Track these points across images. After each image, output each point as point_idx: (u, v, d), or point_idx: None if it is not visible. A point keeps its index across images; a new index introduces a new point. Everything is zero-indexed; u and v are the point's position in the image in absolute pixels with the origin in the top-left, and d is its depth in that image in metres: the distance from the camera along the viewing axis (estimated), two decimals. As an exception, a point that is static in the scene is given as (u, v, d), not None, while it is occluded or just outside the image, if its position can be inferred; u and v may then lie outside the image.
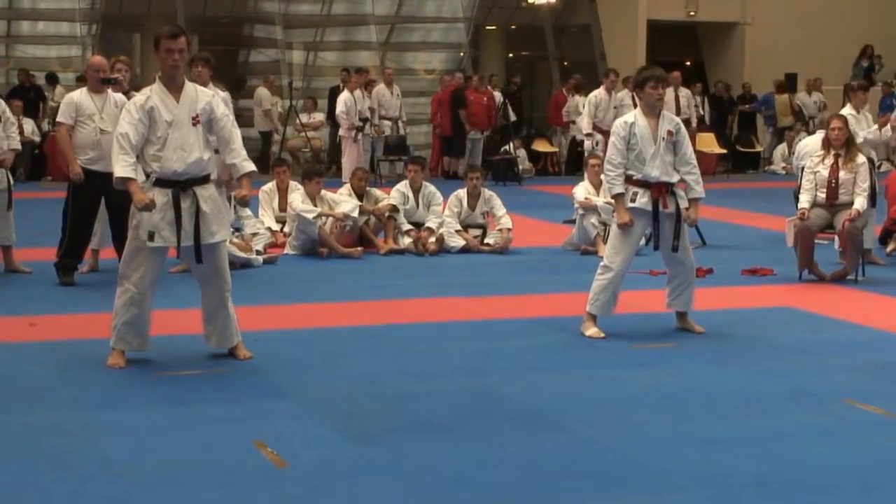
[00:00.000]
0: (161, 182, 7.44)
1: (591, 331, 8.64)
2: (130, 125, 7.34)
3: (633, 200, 8.54)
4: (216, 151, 7.81)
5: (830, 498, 5.35)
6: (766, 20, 27.20)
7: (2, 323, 9.00)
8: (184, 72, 7.65)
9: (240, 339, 7.82)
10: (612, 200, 8.79)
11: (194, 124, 7.45)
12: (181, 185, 7.45)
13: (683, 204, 8.65)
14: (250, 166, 7.71)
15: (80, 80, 11.23)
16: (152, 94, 7.46)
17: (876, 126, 12.57)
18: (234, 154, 7.62)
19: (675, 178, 8.60)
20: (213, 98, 7.65)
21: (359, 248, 12.54)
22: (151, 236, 7.39)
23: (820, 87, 25.18)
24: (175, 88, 7.49)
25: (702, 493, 5.39)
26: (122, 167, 7.29)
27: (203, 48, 25.30)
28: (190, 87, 7.58)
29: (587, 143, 17.63)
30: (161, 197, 7.39)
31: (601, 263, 8.71)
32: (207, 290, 7.73)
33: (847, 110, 12.57)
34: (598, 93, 18.32)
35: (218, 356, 7.78)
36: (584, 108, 23.17)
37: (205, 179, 7.58)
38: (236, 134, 7.74)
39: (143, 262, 7.49)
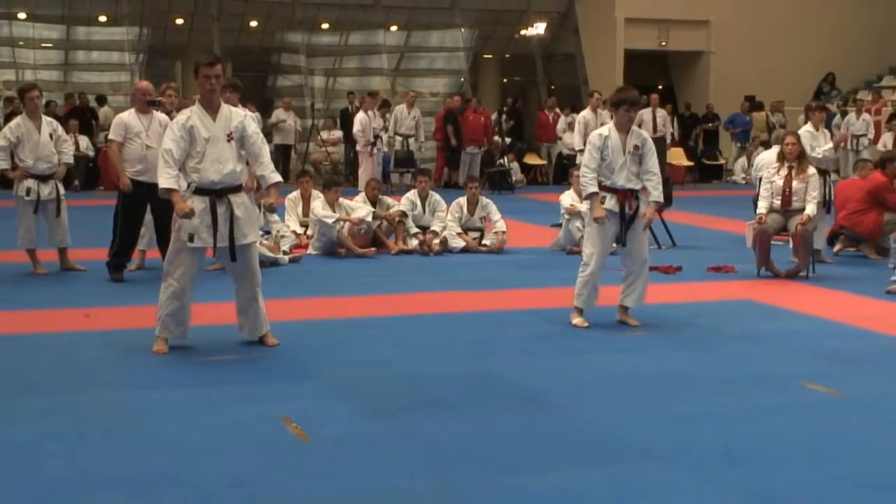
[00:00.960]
0: (199, 190, 7.46)
1: (577, 320, 8.63)
2: (174, 142, 7.37)
3: (602, 202, 8.55)
4: (248, 164, 7.84)
5: (789, 467, 5.33)
6: (729, 49, 27.20)
7: (60, 314, 8.99)
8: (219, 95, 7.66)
9: (268, 328, 7.81)
10: (586, 203, 8.79)
11: (228, 140, 7.47)
12: (217, 193, 7.47)
13: (644, 207, 8.67)
14: (277, 177, 7.72)
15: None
16: (192, 114, 7.49)
17: (831, 144, 12.55)
18: (263, 167, 7.64)
19: (638, 186, 8.61)
20: (244, 118, 7.67)
21: (372, 249, 12.52)
22: (191, 238, 7.41)
23: (782, 108, 25.19)
24: (212, 109, 7.51)
25: (675, 462, 5.37)
26: (166, 179, 7.34)
27: (236, 74, 25.40)
28: (225, 108, 7.61)
29: (579, 158, 17.52)
30: (199, 203, 7.41)
31: (582, 262, 8.71)
32: (240, 285, 7.72)
33: (807, 128, 12.58)
34: (586, 113, 18.20)
35: (249, 343, 7.76)
36: (568, 127, 23.50)
37: (238, 188, 7.60)
38: (265, 149, 7.76)
39: (184, 261, 7.50)
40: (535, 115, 25.46)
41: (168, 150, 7.37)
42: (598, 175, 8.56)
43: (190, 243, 7.43)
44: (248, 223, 7.63)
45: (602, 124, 15.78)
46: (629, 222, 8.59)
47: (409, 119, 21.76)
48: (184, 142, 7.39)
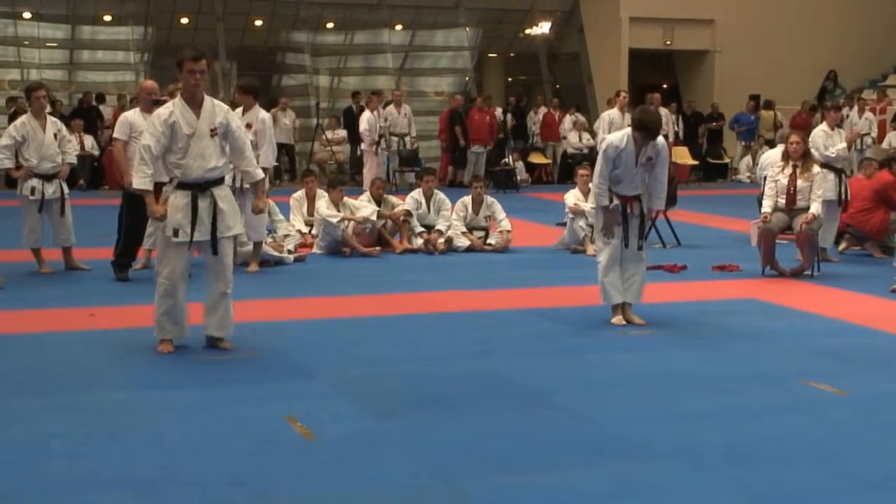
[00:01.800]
0: (182, 185, 7.44)
1: (614, 319, 8.68)
2: (153, 137, 7.33)
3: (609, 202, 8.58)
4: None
5: (792, 465, 5.33)
6: (733, 49, 27.20)
7: (65, 314, 9.01)
8: (204, 90, 7.53)
9: (231, 332, 7.68)
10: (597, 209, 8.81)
11: (212, 136, 7.42)
12: (200, 188, 7.44)
13: (646, 210, 8.72)
14: (261, 174, 7.78)
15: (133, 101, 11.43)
16: (175, 109, 7.41)
17: (844, 144, 12.58)
18: (246, 162, 7.68)
19: (641, 191, 8.63)
20: (228, 113, 7.59)
21: (377, 248, 12.54)
22: (176, 233, 7.40)
23: (806, 109, 25.18)
24: (195, 104, 7.43)
25: (677, 461, 5.38)
26: (140, 178, 7.34)
27: (240, 74, 25.43)
28: (209, 102, 7.50)
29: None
30: (182, 198, 7.40)
31: (597, 261, 8.73)
32: (214, 280, 7.58)
33: (822, 127, 12.56)
34: (614, 113, 18.09)
35: (253, 343, 7.76)
36: (573, 126, 23.48)
37: (221, 181, 7.57)
38: (248, 145, 7.77)
39: (172, 258, 7.47)
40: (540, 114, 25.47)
41: (146, 147, 7.33)
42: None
43: (175, 238, 7.41)
44: (233, 216, 7.59)
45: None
46: (630, 222, 8.59)
47: (400, 118, 21.74)
48: (164, 137, 7.32)
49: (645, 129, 8.47)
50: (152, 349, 7.52)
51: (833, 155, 12.24)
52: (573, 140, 23.42)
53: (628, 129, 8.64)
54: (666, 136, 20.78)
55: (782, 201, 11.03)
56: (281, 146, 22.72)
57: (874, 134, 21.98)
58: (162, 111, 7.48)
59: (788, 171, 11.06)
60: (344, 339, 8.07)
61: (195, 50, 7.63)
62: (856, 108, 22.21)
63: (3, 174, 10.76)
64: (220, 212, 7.45)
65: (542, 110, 24.48)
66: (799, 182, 10.99)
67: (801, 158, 11.04)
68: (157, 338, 7.57)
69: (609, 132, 17.27)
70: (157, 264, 7.60)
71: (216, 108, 7.52)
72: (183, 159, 7.37)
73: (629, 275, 8.68)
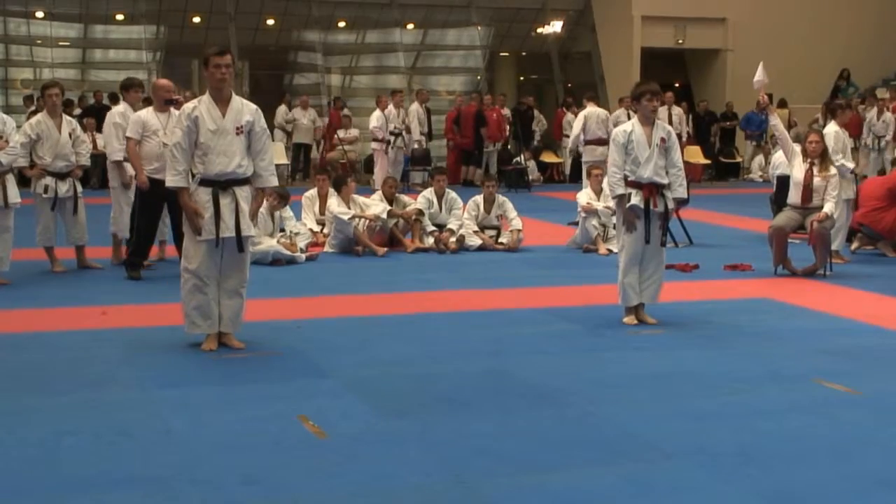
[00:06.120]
0: (205, 182, 7.43)
1: (626, 319, 8.68)
2: (182, 133, 7.35)
3: (628, 200, 8.54)
4: None
5: (805, 464, 5.32)
6: (746, 47, 27.11)
7: (77, 312, 9.03)
8: (230, 86, 7.51)
9: (240, 329, 7.68)
10: (615, 201, 8.81)
11: (237, 133, 7.40)
12: (221, 185, 7.42)
13: (671, 205, 8.67)
14: (274, 182, 7.69)
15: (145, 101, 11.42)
16: (200, 104, 7.42)
17: (853, 164, 12.56)
18: (264, 165, 7.55)
19: (665, 181, 8.57)
20: (255, 112, 7.54)
21: (383, 248, 12.50)
22: (199, 231, 7.41)
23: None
24: (222, 101, 7.42)
25: (690, 461, 5.37)
26: (173, 177, 7.38)
27: (252, 73, 25.46)
28: (237, 101, 7.49)
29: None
30: (204, 195, 7.40)
31: (618, 259, 8.72)
32: (230, 277, 7.57)
33: (832, 126, 12.50)
34: (620, 113, 18.14)
35: (265, 342, 7.77)
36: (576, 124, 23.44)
37: (244, 181, 7.51)
38: (270, 147, 7.72)
39: (199, 254, 7.46)
40: (549, 114, 25.45)
41: (177, 144, 7.36)
42: (625, 170, 8.56)
43: (198, 237, 7.42)
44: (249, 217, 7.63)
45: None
46: (652, 218, 8.56)
47: (424, 116, 21.80)
48: (191, 132, 7.33)
49: (646, 92, 8.54)
50: (165, 347, 7.52)
51: (838, 164, 12.09)
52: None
53: (634, 118, 8.69)
54: (679, 136, 20.89)
55: (796, 198, 10.97)
56: (299, 146, 22.85)
57: (888, 136, 21.83)
58: (188, 105, 7.50)
59: (805, 166, 10.97)
60: (356, 339, 8.06)
61: (220, 46, 7.63)
62: (874, 108, 22.06)
63: (17, 172, 10.76)
64: (241, 211, 7.44)
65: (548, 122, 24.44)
66: (816, 180, 10.92)
67: (819, 157, 10.98)
68: (189, 333, 7.58)
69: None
70: (184, 260, 7.57)
71: (244, 107, 7.49)
72: (206, 155, 7.36)
73: (648, 275, 8.67)
